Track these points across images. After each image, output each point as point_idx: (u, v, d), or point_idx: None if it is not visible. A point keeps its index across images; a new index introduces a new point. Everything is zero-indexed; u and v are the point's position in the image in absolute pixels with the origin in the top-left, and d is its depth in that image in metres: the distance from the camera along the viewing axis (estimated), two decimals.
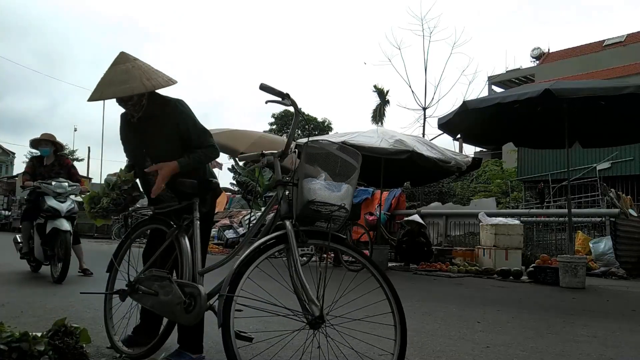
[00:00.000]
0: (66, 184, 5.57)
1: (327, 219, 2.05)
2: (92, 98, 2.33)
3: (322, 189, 1.99)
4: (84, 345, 2.28)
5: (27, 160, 6.62)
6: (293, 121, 2.21)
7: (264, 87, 2.08)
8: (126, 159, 2.74)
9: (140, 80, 2.29)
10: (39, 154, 5.92)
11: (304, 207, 1.99)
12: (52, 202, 5.35)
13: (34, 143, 5.82)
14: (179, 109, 2.44)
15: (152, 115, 2.44)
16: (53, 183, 5.48)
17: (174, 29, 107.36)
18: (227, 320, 1.84)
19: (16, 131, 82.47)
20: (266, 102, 2.15)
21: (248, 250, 1.96)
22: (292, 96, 2.11)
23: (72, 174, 5.87)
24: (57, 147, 5.88)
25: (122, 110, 2.50)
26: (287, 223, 2.01)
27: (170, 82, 2.39)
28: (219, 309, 1.88)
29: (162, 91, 2.47)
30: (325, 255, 4.50)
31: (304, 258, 7.69)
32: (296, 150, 2.17)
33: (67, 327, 2.27)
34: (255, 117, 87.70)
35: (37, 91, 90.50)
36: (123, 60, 2.38)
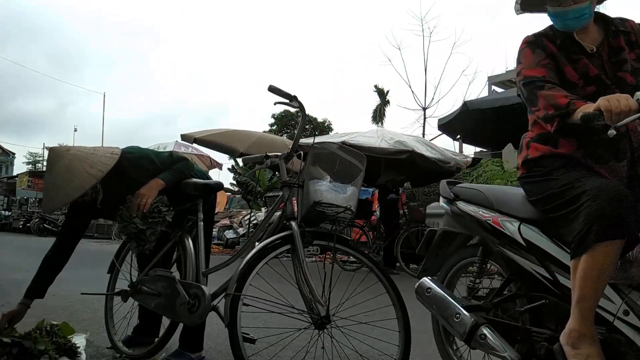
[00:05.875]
0: None
1: (332, 220, 2.06)
2: (46, 209, 2.20)
3: (328, 190, 1.99)
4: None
5: None
6: (300, 123, 2.21)
7: (272, 89, 2.08)
8: None
9: (85, 172, 2.09)
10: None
11: (310, 208, 2.00)
12: None
13: None
14: (130, 159, 2.29)
15: (115, 183, 2.26)
16: None
17: (174, 29, 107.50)
18: (234, 319, 1.85)
19: (19, 132, 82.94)
20: (275, 104, 2.16)
21: (254, 250, 1.96)
22: (299, 98, 2.11)
23: None
24: None
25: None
26: (293, 224, 2.01)
27: (113, 156, 2.20)
28: (225, 308, 1.87)
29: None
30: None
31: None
32: (300, 152, 2.16)
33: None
34: (255, 118, 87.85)
35: (42, 93, 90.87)
36: (58, 158, 2.14)
